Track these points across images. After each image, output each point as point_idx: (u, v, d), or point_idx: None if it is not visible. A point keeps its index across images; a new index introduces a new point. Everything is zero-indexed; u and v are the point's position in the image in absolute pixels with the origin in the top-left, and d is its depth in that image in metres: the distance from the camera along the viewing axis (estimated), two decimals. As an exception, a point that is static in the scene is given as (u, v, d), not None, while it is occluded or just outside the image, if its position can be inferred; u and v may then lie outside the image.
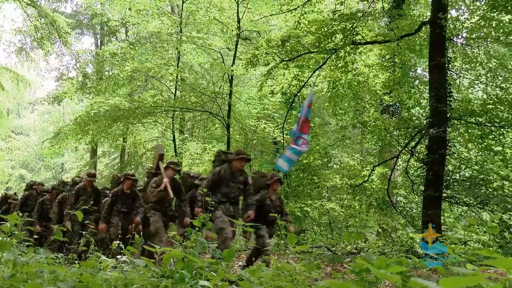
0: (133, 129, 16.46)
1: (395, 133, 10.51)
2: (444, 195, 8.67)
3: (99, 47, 21.98)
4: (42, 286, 2.06)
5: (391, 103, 12.38)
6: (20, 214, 8.39)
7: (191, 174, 8.23)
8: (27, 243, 3.10)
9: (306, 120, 8.18)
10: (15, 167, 34.31)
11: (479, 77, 10.34)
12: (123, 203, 7.43)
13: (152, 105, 13.61)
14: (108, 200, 7.54)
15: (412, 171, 10.07)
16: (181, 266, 2.44)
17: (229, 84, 13.60)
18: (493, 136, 8.87)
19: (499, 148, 8.94)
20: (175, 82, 15.04)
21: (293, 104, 11.81)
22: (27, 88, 25.18)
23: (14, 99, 32.31)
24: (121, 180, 7.70)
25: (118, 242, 3.75)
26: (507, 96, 9.36)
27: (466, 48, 10.43)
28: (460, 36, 10.26)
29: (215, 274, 2.44)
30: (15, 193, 11.56)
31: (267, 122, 14.10)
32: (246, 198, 6.39)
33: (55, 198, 8.79)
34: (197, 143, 15.68)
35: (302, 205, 11.56)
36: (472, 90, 11.04)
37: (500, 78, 10.26)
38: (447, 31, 8.92)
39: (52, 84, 56.25)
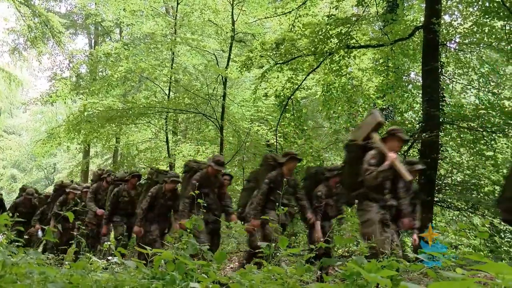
0: (126, 130, 16.40)
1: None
2: (436, 199, 8.72)
3: (93, 48, 21.89)
4: (31, 287, 2.05)
5: (384, 107, 12.43)
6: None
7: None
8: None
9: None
10: (7, 166, 34.07)
11: (472, 82, 10.42)
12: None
13: (146, 106, 13.56)
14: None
15: (405, 175, 10.09)
16: (172, 267, 2.43)
17: (223, 86, 13.59)
18: (485, 141, 8.93)
19: (491, 153, 9.00)
20: (168, 84, 15.00)
21: (287, 107, 11.81)
22: (20, 87, 25.02)
23: (6, 98, 32.10)
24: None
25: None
26: (499, 102, 9.44)
27: (459, 53, 10.51)
28: (453, 41, 10.35)
29: (206, 276, 2.44)
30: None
31: (261, 124, 14.10)
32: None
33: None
34: (190, 145, 15.64)
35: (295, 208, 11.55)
36: (464, 95, 11.12)
37: (492, 84, 10.35)
38: (440, 36, 8.99)
39: (45, 84, 56.04)
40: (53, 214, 8.35)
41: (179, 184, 6.92)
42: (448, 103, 10.15)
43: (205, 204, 5.38)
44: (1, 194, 10.24)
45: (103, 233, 7.58)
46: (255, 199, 5.86)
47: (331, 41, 9.99)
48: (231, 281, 2.42)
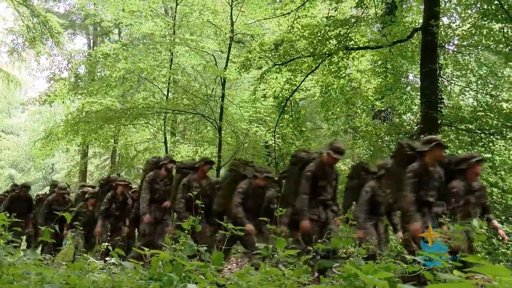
0: (125, 131, 16.39)
1: (386, 138, 10.56)
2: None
3: (91, 48, 21.88)
4: (28, 288, 2.04)
5: (382, 109, 12.44)
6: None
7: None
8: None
9: None
10: (5, 167, 34.01)
11: (470, 84, 10.43)
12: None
13: (144, 106, 13.56)
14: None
15: (403, 177, 10.09)
16: (170, 268, 2.43)
17: (221, 86, 13.59)
18: (483, 143, 8.95)
19: (489, 155, 9.00)
20: (167, 84, 15.00)
21: (285, 108, 11.82)
22: (18, 87, 24.98)
23: (4, 98, 32.09)
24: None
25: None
26: (497, 104, 9.45)
27: (457, 55, 10.53)
28: (451, 43, 10.37)
29: (203, 278, 2.43)
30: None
31: (259, 125, 14.10)
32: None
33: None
34: (188, 146, 15.64)
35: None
36: (462, 97, 11.14)
37: (490, 86, 10.36)
38: (439, 38, 9.00)
39: (44, 84, 55.92)
40: (100, 212, 7.40)
41: (283, 179, 6.23)
42: (446, 105, 10.17)
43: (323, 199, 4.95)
44: (29, 188, 9.25)
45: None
46: (404, 199, 4.62)
47: (330, 43, 10.00)
48: (229, 282, 2.42)
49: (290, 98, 11.67)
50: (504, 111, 8.91)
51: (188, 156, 14.59)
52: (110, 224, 7.20)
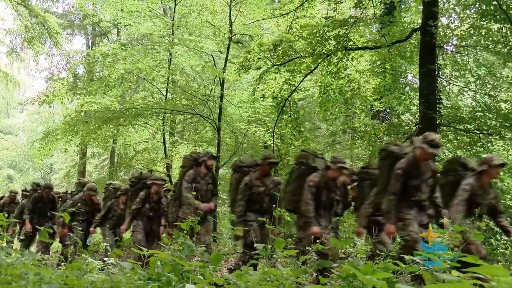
0: (123, 131, 16.38)
1: (385, 138, 10.57)
2: (432, 201, 8.70)
3: (90, 48, 21.86)
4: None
5: (381, 109, 12.45)
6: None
7: None
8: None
9: None
10: (3, 167, 33.98)
11: (468, 85, 10.44)
12: None
13: (143, 107, 13.55)
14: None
15: (401, 177, 10.11)
16: (168, 269, 2.43)
17: (220, 87, 13.59)
18: (481, 143, 8.96)
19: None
20: (166, 84, 14.99)
21: (284, 109, 11.81)
22: (17, 88, 24.97)
23: (3, 98, 32.07)
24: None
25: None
26: (495, 104, 9.47)
27: (456, 56, 10.54)
28: (450, 44, 10.38)
29: (202, 278, 2.43)
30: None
31: (258, 126, 14.10)
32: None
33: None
34: (187, 146, 15.63)
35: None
36: (461, 97, 11.15)
37: (488, 86, 10.38)
38: (438, 38, 9.00)
39: (42, 84, 55.83)
40: (130, 212, 6.93)
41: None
42: (445, 105, 10.18)
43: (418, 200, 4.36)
44: (51, 189, 8.98)
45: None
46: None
47: (329, 43, 10.00)
48: (227, 282, 2.42)
49: (289, 98, 11.67)
50: (502, 112, 8.92)
51: (187, 157, 14.55)
52: (144, 227, 6.79)
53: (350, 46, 10.14)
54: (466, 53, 10.27)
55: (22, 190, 11.22)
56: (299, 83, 11.40)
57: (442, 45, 9.81)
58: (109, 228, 7.55)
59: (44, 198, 8.78)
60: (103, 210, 7.91)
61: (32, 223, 8.42)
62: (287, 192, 5.66)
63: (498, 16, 8.33)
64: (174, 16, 15.20)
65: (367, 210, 5.22)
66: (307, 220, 5.03)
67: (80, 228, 6.34)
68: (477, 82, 10.32)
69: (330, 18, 10.15)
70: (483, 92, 10.35)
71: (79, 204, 7.57)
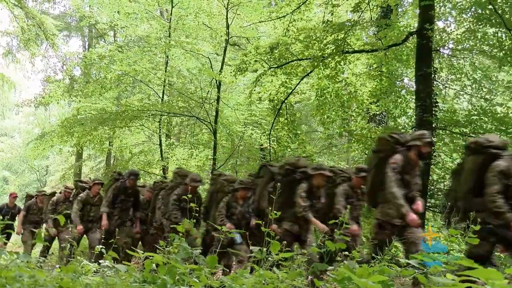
0: (120, 133, 16.35)
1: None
2: (428, 204, 8.74)
3: (87, 50, 21.83)
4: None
5: (377, 112, 12.46)
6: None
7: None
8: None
9: None
10: (-2, 169, 33.91)
11: (464, 88, 10.48)
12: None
13: (139, 109, 13.53)
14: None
15: (397, 180, 10.12)
16: (164, 271, 2.42)
17: (217, 89, 13.59)
18: (477, 146, 8.96)
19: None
20: (162, 87, 14.98)
21: (280, 111, 11.82)
22: (12, 89, 24.89)
23: (-1, 100, 31.95)
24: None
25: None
26: (491, 108, 9.50)
27: (452, 59, 10.58)
28: (446, 47, 10.41)
29: (197, 281, 2.43)
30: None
31: (254, 128, 14.11)
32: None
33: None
34: (183, 149, 15.61)
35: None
36: (457, 101, 11.18)
37: (484, 90, 10.41)
38: (434, 42, 9.03)
39: (39, 86, 55.69)
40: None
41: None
42: (441, 108, 10.21)
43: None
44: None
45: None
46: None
47: (327, 47, 10.00)
48: (222, 285, 2.41)
49: (285, 101, 11.68)
50: (498, 115, 8.96)
51: (183, 159, 14.57)
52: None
53: (346, 49, 10.16)
54: (462, 56, 10.31)
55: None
56: (296, 86, 11.40)
57: (438, 48, 9.85)
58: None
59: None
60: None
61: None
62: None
63: (493, 20, 8.36)
64: (171, 18, 15.20)
65: None
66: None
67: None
68: (473, 86, 10.36)
69: (329, 23, 10.16)
70: (479, 95, 10.39)
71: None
